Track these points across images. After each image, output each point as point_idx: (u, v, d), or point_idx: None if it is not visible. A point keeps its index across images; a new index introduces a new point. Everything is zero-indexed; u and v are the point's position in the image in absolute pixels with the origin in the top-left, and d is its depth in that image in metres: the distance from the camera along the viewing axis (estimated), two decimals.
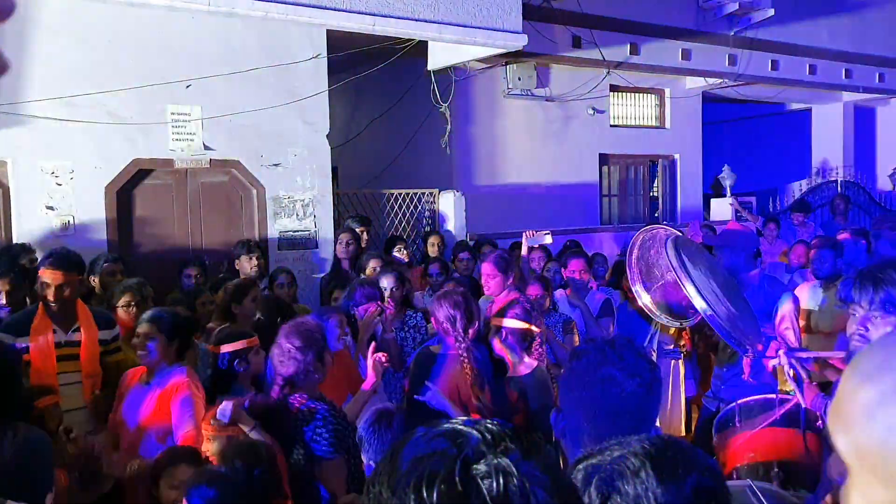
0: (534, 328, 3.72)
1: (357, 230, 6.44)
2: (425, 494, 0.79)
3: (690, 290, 2.98)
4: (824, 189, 11.95)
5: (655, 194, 11.16)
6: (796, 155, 13.79)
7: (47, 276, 3.70)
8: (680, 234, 3.70)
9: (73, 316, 3.80)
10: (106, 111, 5.71)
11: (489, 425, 0.86)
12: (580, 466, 1.10)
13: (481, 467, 0.80)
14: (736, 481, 2.48)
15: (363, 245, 6.51)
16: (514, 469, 0.80)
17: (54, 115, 5.53)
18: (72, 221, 5.66)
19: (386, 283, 4.60)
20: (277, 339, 3.07)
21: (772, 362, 2.99)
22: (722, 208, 10.93)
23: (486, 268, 4.50)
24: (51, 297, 3.69)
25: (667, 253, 3.18)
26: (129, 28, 5.78)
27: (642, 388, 1.64)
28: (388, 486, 0.82)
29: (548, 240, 6.79)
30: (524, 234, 6.97)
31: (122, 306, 4.23)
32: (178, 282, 5.42)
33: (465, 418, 0.89)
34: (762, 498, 1.70)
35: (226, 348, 3.39)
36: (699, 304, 2.95)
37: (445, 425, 0.87)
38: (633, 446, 1.12)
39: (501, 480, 0.79)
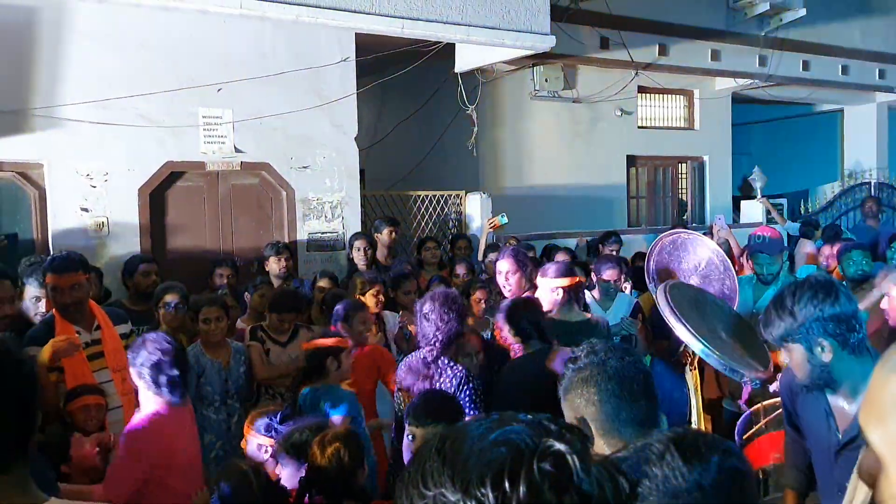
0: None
1: (387, 230, 6.48)
2: (508, 489, 0.76)
3: (683, 334, 3.14)
4: (856, 191, 11.76)
5: (684, 196, 11.06)
6: (828, 156, 13.59)
7: (57, 281, 3.67)
8: (692, 240, 3.77)
9: (90, 315, 3.81)
10: (139, 114, 5.81)
11: (544, 420, 0.84)
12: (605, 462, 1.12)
13: (553, 460, 0.78)
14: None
15: (391, 246, 6.54)
16: (588, 460, 0.79)
17: (89, 118, 5.63)
18: (106, 223, 5.76)
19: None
20: (423, 309, 3.29)
21: (772, 387, 3.04)
22: (751, 210, 10.80)
23: (505, 264, 4.31)
24: (69, 300, 3.67)
25: (657, 301, 3.33)
26: (161, 32, 5.88)
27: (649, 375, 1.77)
28: (452, 485, 0.78)
29: (503, 220, 6.95)
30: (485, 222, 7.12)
31: (163, 306, 4.30)
32: (210, 282, 5.49)
33: (512, 413, 0.87)
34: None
35: (320, 343, 3.53)
36: (695, 346, 3.12)
37: (498, 419, 0.84)
38: (655, 436, 1.14)
39: (580, 471, 0.77)
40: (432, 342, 3.25)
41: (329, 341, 3.53)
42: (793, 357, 2.12)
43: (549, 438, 0.80)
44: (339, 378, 3.53)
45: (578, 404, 1.70)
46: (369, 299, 4.77)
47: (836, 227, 8.35)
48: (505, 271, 4.28)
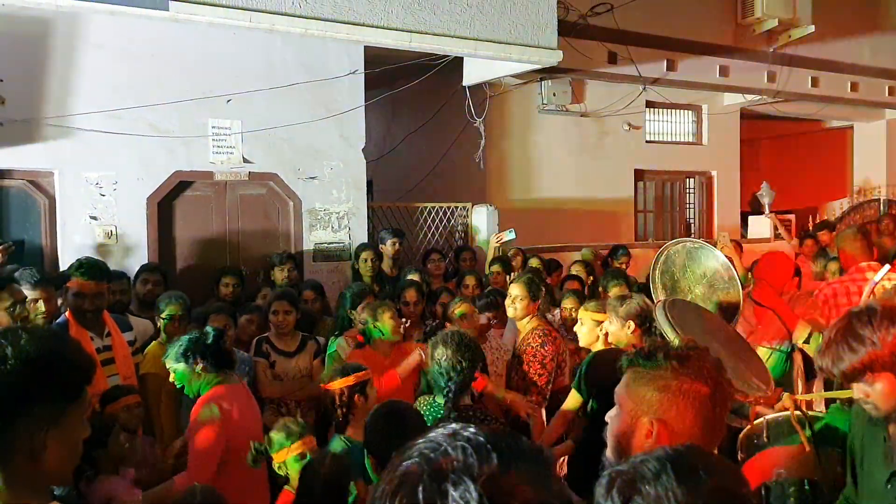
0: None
1: (391, 241, 6.49)
2: None
3: None
4: (866, 208, 11.71)
5: (692, 211, 11.04)
6: (837, 173, 13.54)
7: (84, 287, 3.74)
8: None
9: (101, 322, 3.88)
10: (149, 124, 5.87)
11: (470, 434, 0.85)
12: (604, 474, 1.11)
13: (453, 489, 0.80)
14: None
15: (396, 257, 6.55)
16: (479, 492, 0.80)
17: (99, 127, 5.70)
18: (114, 231, 5.81)
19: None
20: (435, 354, 3.20)
21: (777, 406, 3.00)
22: (760, 226, 10.77)
23: (517, 289, 4.30)
24: (88, 307, 3.75)
25: (656, 318, 3.28)
26: (172, 44, 5.95)
27: None
28: (377, 496, 0.84)
29: (510, 236, 6.95)
30: (493, 237, 7.14)
31: (166, 317, 4.33)
32: (216, 291, 5.52)
33: (456, 425, 0.88)
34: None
35: (338, 385, 3.31)
36: None
37: (430, 436, 0.87)
38: (655, 453, 1.13)
39: (460, 498, 0.79)
40: (444, 392, 3.15)
41: (349, 380, 3.28)
42: (882, 388, 2.04)
43: (444, 461, 0.82)
44: (369, 408, 3.33)
45: None
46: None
47: (828, 223, 8.36)
48: (515, 295, 4.29)
